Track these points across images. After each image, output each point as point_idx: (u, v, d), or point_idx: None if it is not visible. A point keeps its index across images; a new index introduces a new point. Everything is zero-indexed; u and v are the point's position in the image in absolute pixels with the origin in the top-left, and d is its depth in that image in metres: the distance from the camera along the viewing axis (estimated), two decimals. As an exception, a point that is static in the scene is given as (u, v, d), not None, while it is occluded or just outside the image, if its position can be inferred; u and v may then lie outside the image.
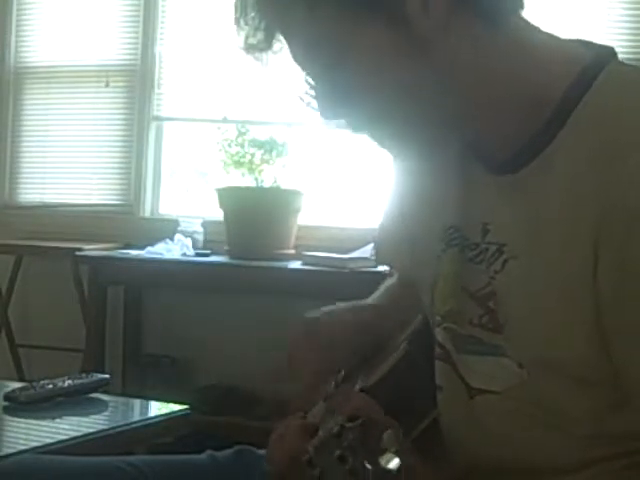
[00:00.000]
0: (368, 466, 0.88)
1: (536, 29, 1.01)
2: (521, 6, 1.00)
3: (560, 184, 0.95)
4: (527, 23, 1.01)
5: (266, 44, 1.02)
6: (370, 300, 1.33)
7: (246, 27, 1.02)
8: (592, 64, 0.98)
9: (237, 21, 1.03)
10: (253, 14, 1.01)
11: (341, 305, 1.29)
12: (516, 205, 1.00)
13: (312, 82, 1.02)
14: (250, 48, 1.03)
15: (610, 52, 1.01)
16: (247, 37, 1.02)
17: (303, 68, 1.02)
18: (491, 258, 1.02)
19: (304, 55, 1.00)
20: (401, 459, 0.89)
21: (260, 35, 1.02)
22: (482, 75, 0.97)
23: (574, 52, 1.01)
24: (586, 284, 0.93)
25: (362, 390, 1.11)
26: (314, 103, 1.02)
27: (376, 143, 1.04)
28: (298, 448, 1.07)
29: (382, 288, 1.36)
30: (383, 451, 0.90)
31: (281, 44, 1.02)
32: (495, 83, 0.98)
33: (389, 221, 1.30)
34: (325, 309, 1.28)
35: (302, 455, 0.98)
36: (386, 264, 1.38)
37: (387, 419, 1.00)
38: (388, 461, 0.89)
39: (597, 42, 1.03)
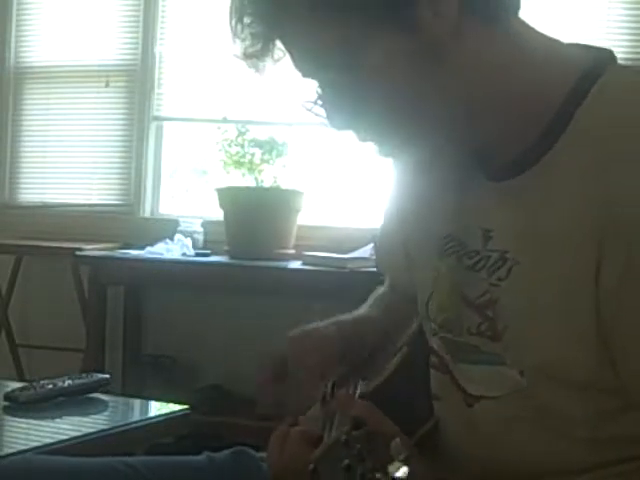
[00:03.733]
0: (377, 475, 0.88)
1: (535, 32, 1.01)
2: (518, 8, 0.99)
3: (561, 188, 0.95)
4: (527, 26, 1.00)
5: (265, 52, 0.99)
6: (357, 312, 1.32)
7: (242, 35, 0.99)
8: (591, 68, 0.98)
9: (233, 29, 1.00)
10: (249, 21, 0.98)
11: (322, 322, 1.27)
12: (517, 211, 0.99)
13: (320, 91, 0.99)
14: (248, 57, 1.00)
15: (609, 55, 1.01)
16: (245, 46, 1.00)
17: (310, 76, 0.99)
18: (494, 266, 1.01)
19: (315, 62, 0.97)
20: (409, 467, 0.88)
21: (258, 43, 0.99)
22: (489, 79, 0.97)
23: (573, 56, 1.00)
24: (587, 290, 0.92)
25: (362, 395, 1.10)
26: (322, 113, 1.00)
27: (379, 151, 1.03)
28: (299, 458, 1.06)
29: (371, 298, 1.35)
30: (391, 459, 0.89)
31: (282, 52, 0.99)
32: (499, 87, 0.98)
33: (386, 226, 1.29)
34: (306, 327, 1.25)
35: (305, 465, 0.97)
36: (382, 270, 1.37)
37: (391, 427, 0.99)
38: (397, 469, 0.88)
39: (595, 45, 1.03)
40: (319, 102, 1.00)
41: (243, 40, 1.00)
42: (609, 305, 0.92)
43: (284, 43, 0.99)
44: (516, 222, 0.99)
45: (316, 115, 1.00)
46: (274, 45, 0.99)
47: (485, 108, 0.98)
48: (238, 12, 0.99)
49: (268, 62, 1.01)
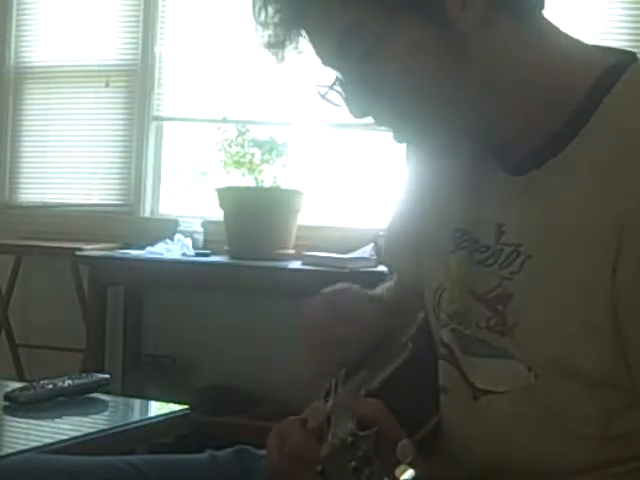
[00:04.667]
0: (384, 479, 0.87)
1: (558, 30, 1.02)
2: (542, 5, 1.00)
3: (579, 184, 0.95)
4: (550, 24, 1.01)
5: (288, 41, 1.00)
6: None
7: (265, 24, 1.00)
8: (614, 67, 0.98)
9: (256, 16, 1.00)
10: (274, 9, 0.99)
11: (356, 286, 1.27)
12: (532, 205, 0.99)
13: (341, 78, 1.00)
14: (271, 46, 1.01)
15: (632, 56, 1.01)
16: (267, 34, 1.00)
17: (332, 63, 0.99)
18: (506, 260, 1.01)
19: (338, 47, 0.97)
20: (415, 470, 0.88)
21: (282, 32, 1.00)
22: (511, 71, 0.98)
23: (596, 55, 1.01)
24: (603, 285, 0.92)
25: (368, 392, 1.10)
26: (337, 99, 1.01)
27: (395, 137, 1.03)
28: (302, 449, 1.06)
29: (381, 288, 1.35)
30: (398, 462, 0.88)
31: (304, 40, 1.00)
32: (520, 81, 0.98)
33: (396, 225, 1.29)
34: (342, 284, 1.25)
35: (308, 457, 0.96)
36: (391, 266, 1.36)
37: (398, 427, 0.99)
38: (403, 472, 0.88)
39: (619, 48, 1.04)
40: (336, 88, 1.00)
41: (266, 28, 1.00)
42: (624, 301, 0.91)
43: (309, 32, 0.99)
44: (533, 216, 0.99)
45: (329, 102, 1.01)
46: (298, 34, 1.00)
47: (505, 100, 0.98)
48: (262, 2, 1.00)
49: (290, 52, 1.01)
